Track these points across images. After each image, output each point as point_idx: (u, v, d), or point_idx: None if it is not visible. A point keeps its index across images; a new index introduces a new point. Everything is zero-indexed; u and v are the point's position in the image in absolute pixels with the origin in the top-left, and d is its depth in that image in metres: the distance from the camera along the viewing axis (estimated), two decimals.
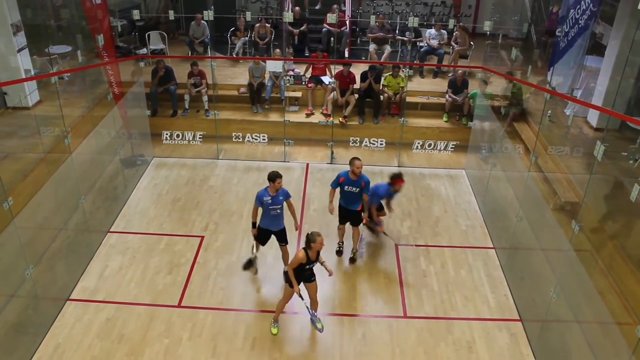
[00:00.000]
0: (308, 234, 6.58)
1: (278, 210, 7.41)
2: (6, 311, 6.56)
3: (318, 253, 6.71)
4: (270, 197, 7.29)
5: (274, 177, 7.22)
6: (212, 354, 6.75)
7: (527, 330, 7.22)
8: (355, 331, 7.16)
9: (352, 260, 8.43)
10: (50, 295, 7.39)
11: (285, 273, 6.91)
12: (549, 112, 9.32)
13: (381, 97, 11.72)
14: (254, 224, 7.65)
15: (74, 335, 6.94)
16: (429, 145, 11.43)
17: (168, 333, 7.03)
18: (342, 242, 8.59)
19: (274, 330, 7.10)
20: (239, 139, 11.52)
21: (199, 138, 11.57)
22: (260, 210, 7.45)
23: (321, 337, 7.05)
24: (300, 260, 6.59)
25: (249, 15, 11.98)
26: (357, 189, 7.97)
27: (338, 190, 8.13)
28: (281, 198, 7.39)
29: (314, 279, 6.93)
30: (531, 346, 7.00)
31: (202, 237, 8.84)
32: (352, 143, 11.53)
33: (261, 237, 7.73)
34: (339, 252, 8.56)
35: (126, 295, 7.64)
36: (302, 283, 6.86)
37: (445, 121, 11.74)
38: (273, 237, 7.76)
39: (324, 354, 6.84)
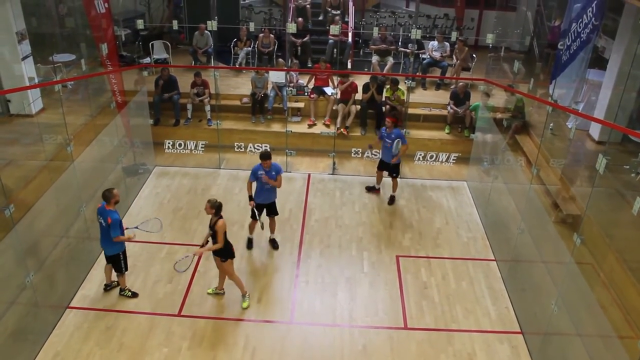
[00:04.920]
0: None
1: (269, 185, 8.25)
2: (6, 318, 6.55)
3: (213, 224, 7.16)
4: (264, 172, 8.11)
5: (268, 155, 8.11)
6: None
7: (528, 343, 7.19)
8: (355, 342, 7.12)
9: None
10: (50, 303, 7.38)
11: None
12: (551, 124, 9.33)
13: (383, 108, 11.74)
14: (250, 197, 8.39)
15: (74, 344, 6.92)
16: (431, 156, 11.45)
17: (168, 342, 7.00)
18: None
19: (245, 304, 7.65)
20: (241, 148, 11.55)
21: (201, 147, 11.60)
22: (254, 186, 8.29)
23: (322, 348, 7.03)
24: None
25: (252, 26, 12.04)
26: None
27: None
28: (273, 173, 8.21)
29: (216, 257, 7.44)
30: (532, 359, 6.96)
31: None
32: (354, 154, 11.56)
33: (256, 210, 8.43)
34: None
35: (126, 303, 7.63)
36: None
37: (447, 133, 11.76)
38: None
39: None
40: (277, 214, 8.74)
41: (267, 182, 8.21)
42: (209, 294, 7.79)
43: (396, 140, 9.72)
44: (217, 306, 7.64)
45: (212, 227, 7.15)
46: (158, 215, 9.60)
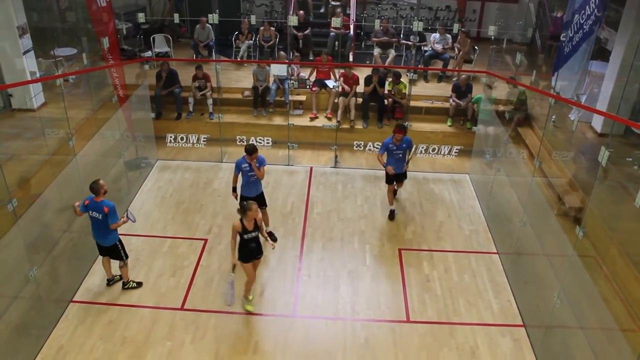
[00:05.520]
0: (243, 203, 7.01)
1: (255, 177, 8.25)
2: (10, 312, 6.56)
3: (256, 224, 7.02)
4: (247, 164, 8.14)
5: (253, 150, 8.09)
6: (214, 357, 6.74)
7: (531, 336, 7.20)
8: (358, 335, 7.14)
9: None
10: (53, 297, 7.40)
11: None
12: (553, 117, 9.30)
13: (385, 101, 11.71)
14: (234, 189, 8.50)
15: (77, 338, 6.95)
16: (433, 149, 11.43)
17: (171, 336, 7.03)
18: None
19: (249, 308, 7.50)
20: (243, 142, 11.53)
21: (203, 141, 11.60)
22: (240, 179, 8.31)
23: (324, 342, 7.04)
24: (236, 229, 6.95)
25: (253, 19, 12.01)
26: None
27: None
28: (257, 165, 8.18)
29: (260, 257, 7.40)
30: (534, 352, 6.98)
31: (206, 240, 8.85)
32: (356, 147, 11.55)
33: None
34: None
35: (129, 297, 7.65)
36: (251, 261, 7.29)
37: (450, 126, 11.74)
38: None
39: (326, 359, 6.83)
40: (266, 205, 8.68)
41: (253, 172, 8.20)
42: (250, 311, 7.49)
43: (410, 148, 9.39)
44: (219, 300, 7.64)
45: (257, 227, 7.07)
46: (160, 209, 9.65)
